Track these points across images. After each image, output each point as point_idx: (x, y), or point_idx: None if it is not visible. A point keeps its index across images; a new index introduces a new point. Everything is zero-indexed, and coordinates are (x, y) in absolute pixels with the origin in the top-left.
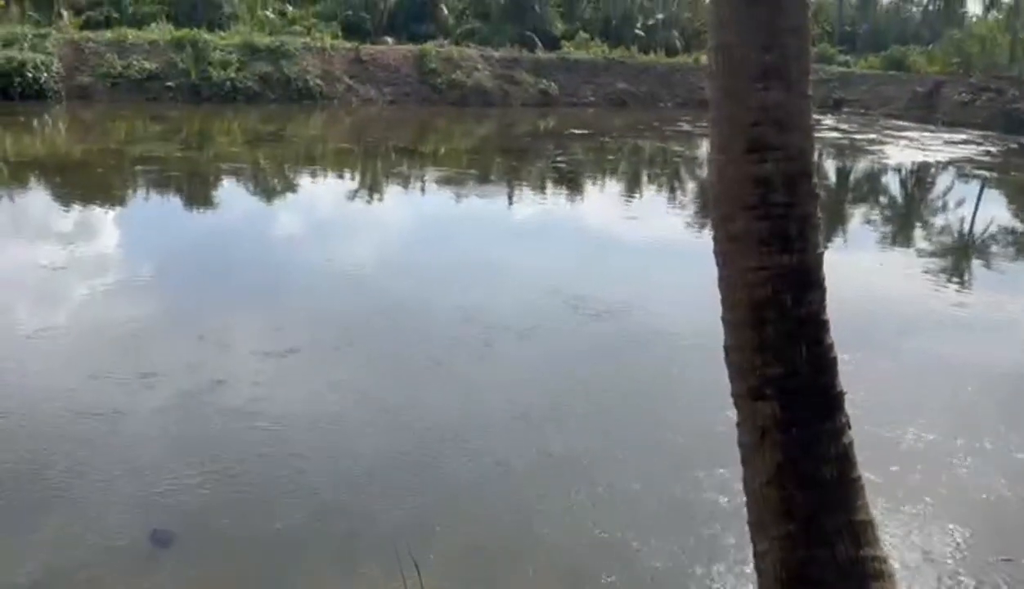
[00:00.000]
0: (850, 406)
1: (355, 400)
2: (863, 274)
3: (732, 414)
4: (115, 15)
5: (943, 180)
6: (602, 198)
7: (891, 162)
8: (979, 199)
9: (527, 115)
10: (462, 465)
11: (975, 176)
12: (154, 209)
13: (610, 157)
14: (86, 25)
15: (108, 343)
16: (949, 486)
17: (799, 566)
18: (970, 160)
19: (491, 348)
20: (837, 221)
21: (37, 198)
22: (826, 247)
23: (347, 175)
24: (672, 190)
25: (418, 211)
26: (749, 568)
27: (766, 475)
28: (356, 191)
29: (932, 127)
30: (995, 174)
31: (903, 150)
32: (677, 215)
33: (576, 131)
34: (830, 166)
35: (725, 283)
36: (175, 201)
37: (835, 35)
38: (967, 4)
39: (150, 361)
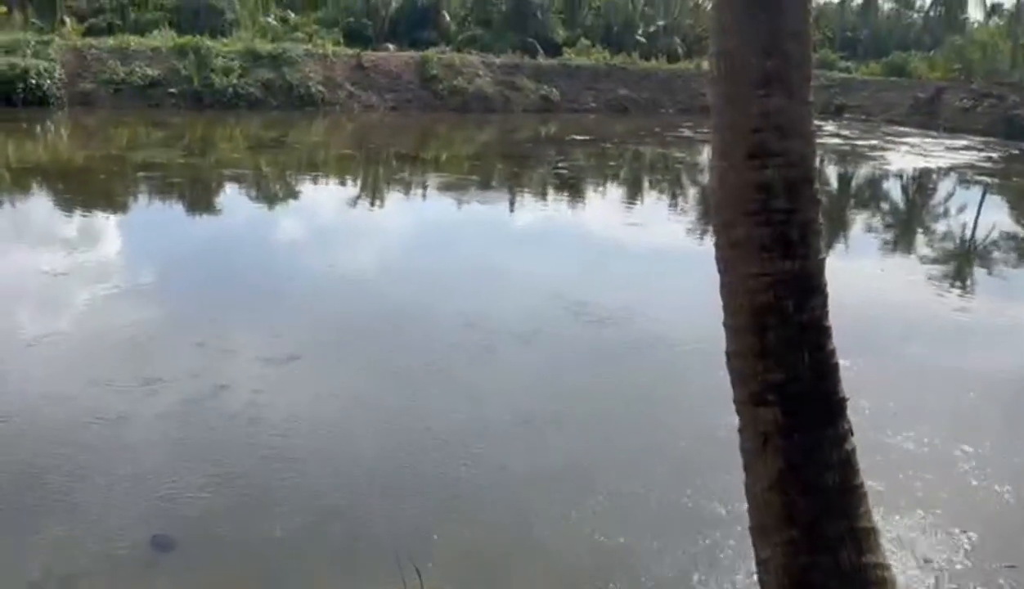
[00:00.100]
0: (852, 412)
1: (356, 406)
2: (865, 280)
3: (734, 420)
4: (118, 22)
5: (944, 186)
6: (603, 204)
7: (892, 168)
8: (981, 205)
9: (528, 121)
10: (463, 470)
11: (976, 182)
12: (156, 215)
13: (611, 163)
14: (89, 32)
15: (109, 349)
16: (952, 492)
17: (801, 572)
18: (971, 166)
19: (492, 353)
20: (839, 227)
21: (39, 204)
22: (827, 253)
23: (349, 181)
24: (673, 196)
25: (420, 217)
26: (752, 575)
27: (768, 481)
28: (358, 197)
29: (933, 133)
30: (996, 180)
31: (904, 156)
32: (678, 221)
33: (577, 137)
34: (831, 172)
35: (727, 289)
36: (177, 207)
37: (836, 41)
38: (968, 10)
39: (151, 367)
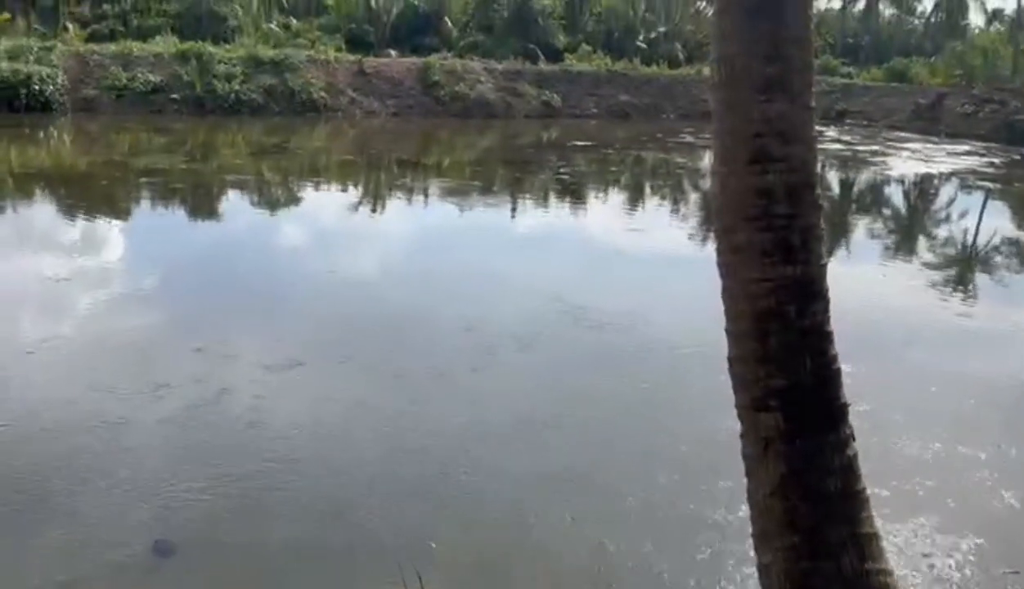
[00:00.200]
0: (854, 417)
1: (358, 410)
2: (867, 285)
3: (735, 425)
4: (120, 28)
5: (946, 191)
6: (605, 209)
7: (894, 173)
8: (982, 210)
9: (530, 127)
10: (464, 475)
11: (978, 187)
12: (158, 221)
13: (613, 168)
14: (91, 38)
15: (110, 355)
16: (954, 497)
17: (803, 578)
18: (973, 171)
19: (493, 358)
20: (840, 232)
21: (42, 210)
22: (829, 258)
23: (351, 187)
24: (675, 202)
25: (421, 222)
26: (753, 580)
27: (770, 487)
28: (360, 203)
29: (935, 139)
30: (998, 185)
31: (906, 162)
32: (680, 227)
33: (579, 143)
34: (833, 178)
35: (728, 294)
36: (179, 213)
37: (837, 47)
38: (969, 16)
39: (153, 373)
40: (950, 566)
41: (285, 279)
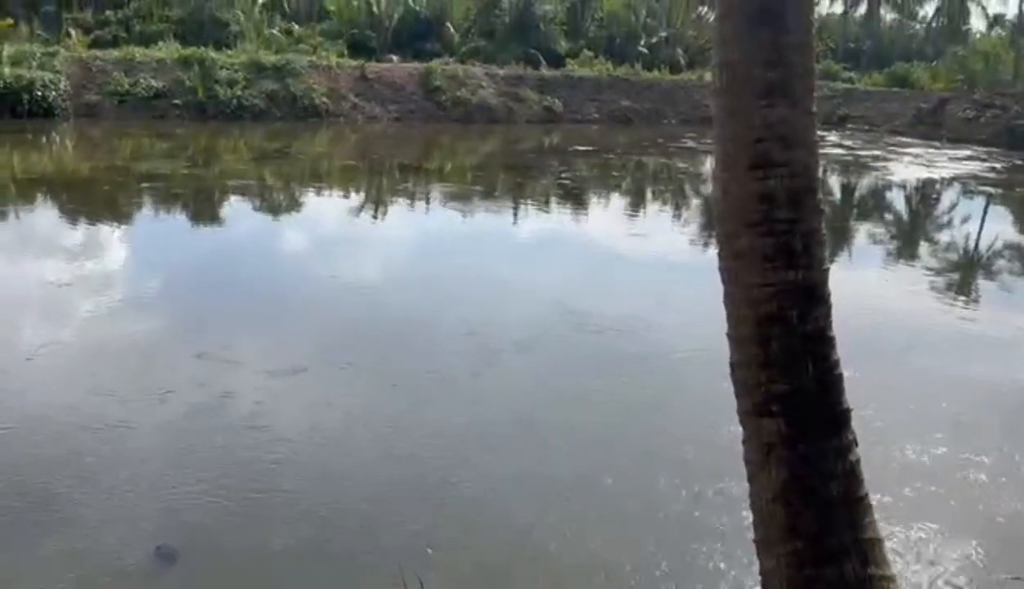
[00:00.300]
0: (856, 423)
1: (358, 415)
2: (869, 290)
3: (737, 430)
4: (123, 34)
5: (948, 196)
6: (607, 214)
7: (896, 178)
8: (984, 215)
9: (532, 132)
10: (465, 481)
11: (980, 192)
12: (160, 226)
13: (614, 174)
14: (94, 44)
15: (112, 360)
16: (957, 502)
17: (806, 584)
18: (975, 176)
19: (494, 362)
20: (842, 237)
21: (44, 215)
22: (831, 263)
23: (353, 192)
24: (676, 207)
25: (423, 227)
26: (755, 585)
27: (772, 492)
28: (362, 207)
29: (936, 143)
30: (1000, 190)
31: (908, 166)
32: (681, 232)
33: (580, 148)
34: (835, 182)
35: (730, 299)
36: (181, 218)
37: (839, 52)
38: (971, 21)
39: (154, 378)
40: (952, 571)
41: (287, 284)
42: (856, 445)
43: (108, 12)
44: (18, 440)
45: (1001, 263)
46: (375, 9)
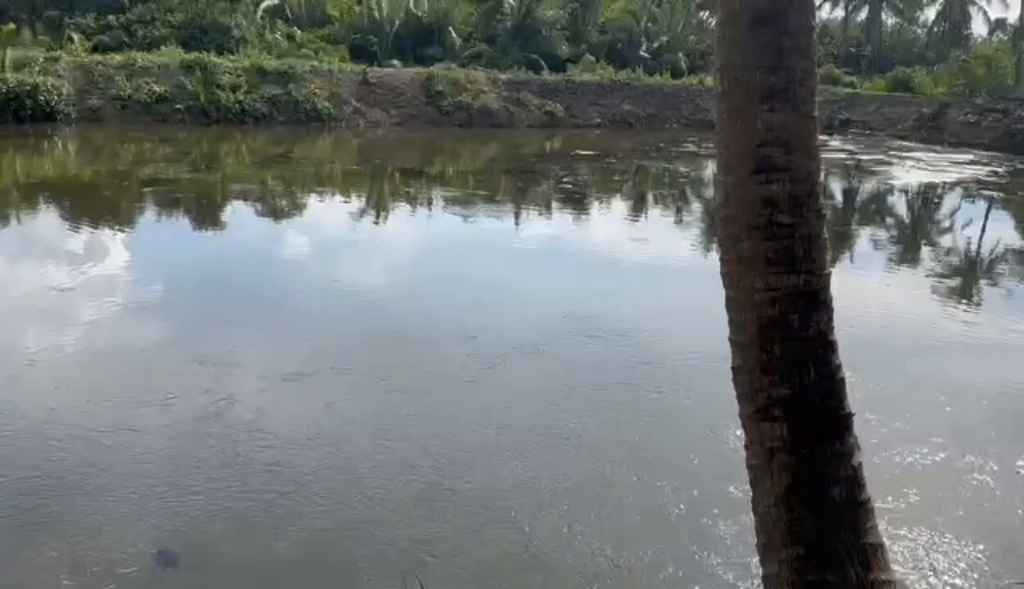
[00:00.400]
0: (858, 427)
1: (359, 423)
2: (871, 294)
3: (740, 434)
4: (125, 39)
5: (950, 201)
6: (608, 219)
7: (898, 183)
8: (986, 219)
9: (533, 137)
10: (465, 486)
11: (982, 196)
12: (162, 231)
13: (616, 178)
14: (96, 49)
15: (114, 365)
16: (960, 507)
17: None
18: (977, 180)
19: (495, 366)
20: (844, 242)
21: (47, 220)
22: (833, 268)
23: (355, 196)
24: (678, 211)
25: (425, 232)
26: None
27: (774, 497)
28: (364, 212)
29: (938, 148)
30: (1002, 194)
31: (909, 171)
32: (683, 236)
33: (582, 152)
34: (837, 187)
35: (732, 304)
36: (183, 223)
37: (841, 56)
38: (972, 26)
39: (156, 383)
40: (956, 576)
41: (289, 289)
42: (859, 449)
43: (110, 17)
44: (18, 444)
45: (1003, 268)
46: (377, 14)
